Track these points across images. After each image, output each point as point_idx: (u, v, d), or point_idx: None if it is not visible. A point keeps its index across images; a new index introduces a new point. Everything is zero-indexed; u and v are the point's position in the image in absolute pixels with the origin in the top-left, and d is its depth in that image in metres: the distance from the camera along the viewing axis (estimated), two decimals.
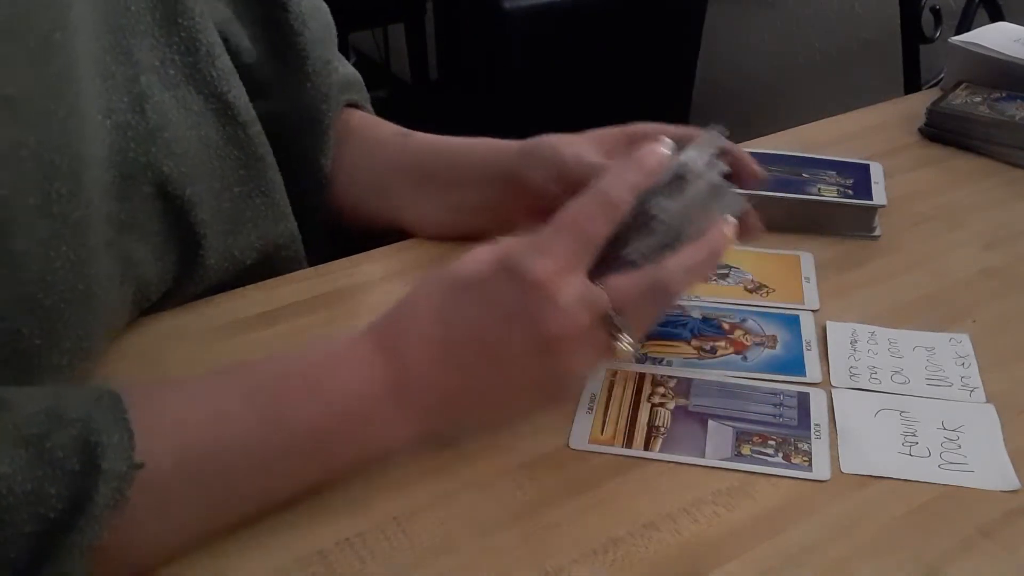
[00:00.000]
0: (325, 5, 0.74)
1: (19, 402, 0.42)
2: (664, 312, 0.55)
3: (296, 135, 0.70)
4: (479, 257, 0.49)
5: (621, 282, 0.49)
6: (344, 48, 2.27)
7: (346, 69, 0.76)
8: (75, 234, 0.51)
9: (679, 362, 0.58)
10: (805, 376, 0.57)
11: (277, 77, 0.68)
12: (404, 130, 0.75)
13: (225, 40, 0.64)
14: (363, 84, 0.78)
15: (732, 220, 0.52)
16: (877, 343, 0.60)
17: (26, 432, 0.40)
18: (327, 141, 0.71)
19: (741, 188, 0.57)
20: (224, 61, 0.62)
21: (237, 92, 0.63)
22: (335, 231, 0.74)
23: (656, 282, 0.49)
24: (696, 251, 0.51)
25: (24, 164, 0.47)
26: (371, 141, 0.74)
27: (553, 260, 0.47)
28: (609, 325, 0.48)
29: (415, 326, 0.49)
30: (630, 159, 0.51)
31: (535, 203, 0.61)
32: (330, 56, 0.72)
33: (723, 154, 0.55)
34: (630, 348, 0.49)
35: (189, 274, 0.62)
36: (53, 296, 0.49)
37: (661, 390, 0.56)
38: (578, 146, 0.64)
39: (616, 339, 0.49)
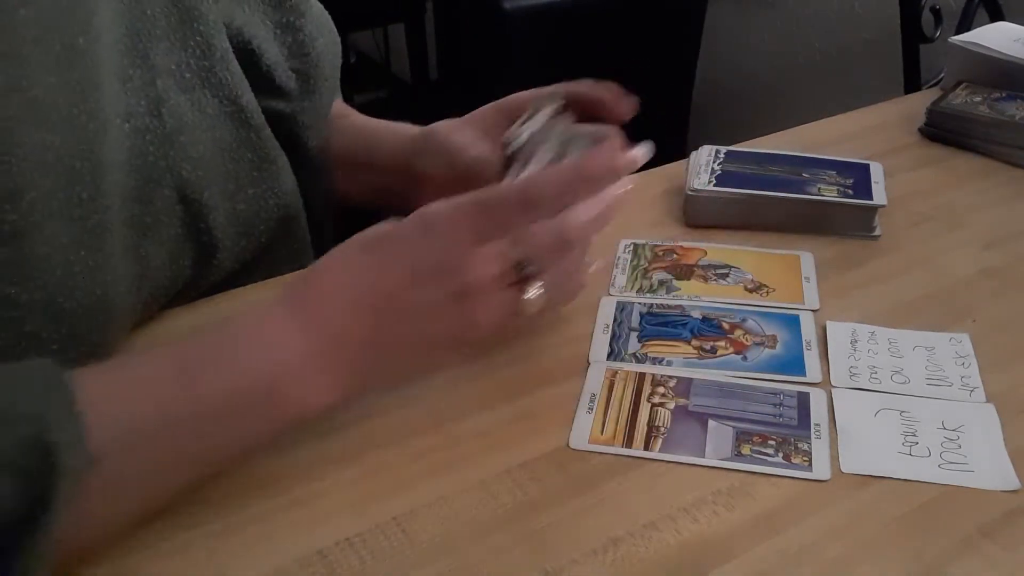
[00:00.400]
0: (327, 13, 0.75)
1: None
2: (573, 267, 0.55)
3: (309, 133, 0.71)
4: (391, 222, 0.51)
5: (526, 233, 0.51)
6: (344, 48, 2.28)
7: None
8: (93, 239, 0.51)
9: (679, 362, 0.58)
10: (805, 376, 0.57)
11: (296, 79, 0.69)
12: (346, 110, 0.77)
13: (248, 42, 0.65)
14: None
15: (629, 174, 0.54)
16: (877, 343, 0.60)
17: None
18: (328, 135, 0.73)
19: (613, 123, 0.60)
20: (236, 65, 0.63)
21: (249, 96, 0.63)
22: (343, 230, 0.75)
23: (559, 231, 0.51)
24: (593, 203, 0.53)
25: (49, 167, 0.48)
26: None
27: (468, 221, 0.49)
28: (520, 272, 0.50)
29: (328, 282, 0.50)
30: (577, 168, 0.52)
31: (434, 191, 0.64)
32: (339, 62, 0.74)
33: (572, 104, 0.60)
34: (539, 294, 0.51)
35: (202, 276, 0.62)
36: (73, 301, 0.50)
37: (661, 390, 0.56)
38: (462, 133, 0.66)
39: (525, 289, 0.51)
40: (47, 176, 0.48)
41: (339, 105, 0.78)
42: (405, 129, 0.72)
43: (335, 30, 0.75)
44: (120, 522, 0.46)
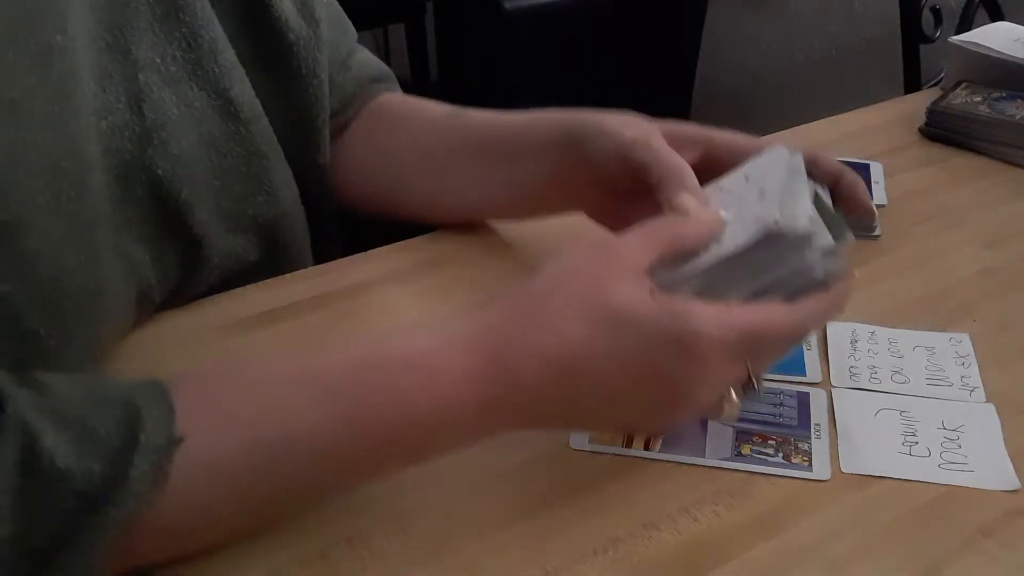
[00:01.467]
0: (340, 8, 0.74)
1: (60, 385, 0.42)
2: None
3: (292, 132, 0.69)
4: (628, 284, 0.45)
5: (773, 355, 0.49)
6: None
7: (367, 63, 0.76)
8: (84, 235, 0.51)
9: None
10: (805, 376, 0.57)
11: (265, 76, 0.66)
12: (456, 109, 0.72)
13: None
14: (388, 73, 0.77)
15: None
16: (877, 343, 0.60)
17: (67, 412, 0.40)
18: (322, 139, 0.70)
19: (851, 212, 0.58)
20: (227, 57, 0.61)
21: (240, 88, 0.62)
22: (345, 229, 0.74)
23: (794, 323, 0.48)
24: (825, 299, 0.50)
25: (34, 166, 0.48)
26: (419, 123, 0.72)
27: (729, 345, 0.45)
28: (744, 366, 0.47)
29: (535, 341, 0.45)
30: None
31: (597, 176, 0.61)
32: (338, 55, 0.72)
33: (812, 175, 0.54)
34: (738, 401, 0.48)
35: (193, 274, 0.62)
36: (67, 297, 0.50)
37: None
38: (639, 129, 0.60)
39: (728, 397, 0.47)
40: (32, 175, 0.47)
41: (442, 105, 0.73)
42: (558, 113, 0.65)
43: (344, 23, 0.74)
44: (246, 526, 0.46)
